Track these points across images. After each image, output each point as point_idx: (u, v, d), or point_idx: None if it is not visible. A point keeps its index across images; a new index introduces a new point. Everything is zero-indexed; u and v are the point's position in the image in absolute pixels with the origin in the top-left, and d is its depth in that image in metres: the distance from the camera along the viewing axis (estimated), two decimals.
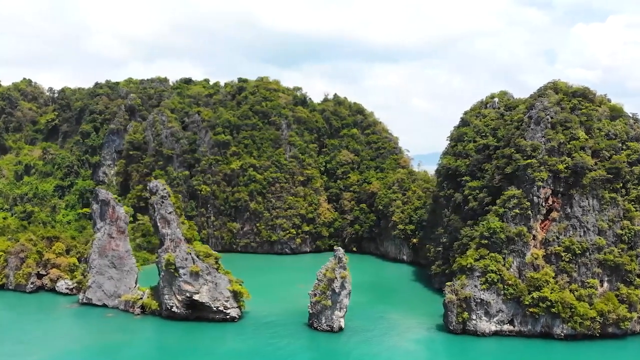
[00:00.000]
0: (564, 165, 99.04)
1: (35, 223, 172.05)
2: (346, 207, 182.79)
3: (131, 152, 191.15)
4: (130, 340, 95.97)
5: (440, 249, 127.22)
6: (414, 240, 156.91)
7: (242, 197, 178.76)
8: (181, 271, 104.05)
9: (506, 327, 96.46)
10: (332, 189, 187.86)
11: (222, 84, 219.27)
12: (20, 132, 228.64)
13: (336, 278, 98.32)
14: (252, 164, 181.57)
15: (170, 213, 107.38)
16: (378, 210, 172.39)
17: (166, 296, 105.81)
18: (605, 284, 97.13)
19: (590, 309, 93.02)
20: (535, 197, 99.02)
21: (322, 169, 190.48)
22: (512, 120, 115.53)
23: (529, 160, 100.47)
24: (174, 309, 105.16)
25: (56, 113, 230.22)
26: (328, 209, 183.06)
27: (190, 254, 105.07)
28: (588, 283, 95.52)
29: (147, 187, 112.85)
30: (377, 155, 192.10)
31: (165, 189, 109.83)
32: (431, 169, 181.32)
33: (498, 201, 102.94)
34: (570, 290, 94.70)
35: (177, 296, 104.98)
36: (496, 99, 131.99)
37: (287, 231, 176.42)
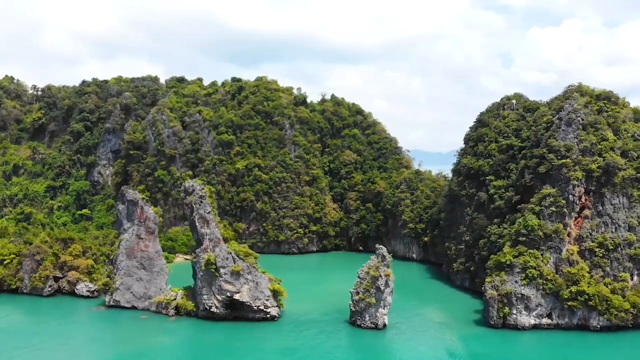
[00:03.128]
0: (596, 165, 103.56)
1: (34, 225, 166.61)
2: (351, 206, 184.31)
3: (131, 152, 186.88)
4: (175, 341, 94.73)
5: (462, 247, 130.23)
6: (425, 239, 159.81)
7: (247, 197, 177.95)
8: (222, 271, 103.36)
9: (544, 320, 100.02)
10: (336, 188, 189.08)
11: (219, 83, 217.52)
12: (5, 131, 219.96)
13: (380, 276, 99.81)
14: (257, 163, 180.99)
15: (209, 213, 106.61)
16: (385, 210, 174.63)
17: (205, 296, 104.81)
18: (635, 278, 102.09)
19: (625, 302, 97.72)
20: (570, 196, 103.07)
21: (326, 168, 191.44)
22: (536, 122, 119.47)
23: (563, 160, 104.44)
24: (213, 309, 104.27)
25: (42, 112, 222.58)
26: (334, 208, 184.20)
27: (230, 253, 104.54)
28: (620, 277, 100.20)
29: (183, 187, 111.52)
30: (379, 155, 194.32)
31: (203, 188, 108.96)
32: None
33: (533, 199, 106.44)
34: (605, 284, 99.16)
35: (217, 296, 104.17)
36: (514, 101, 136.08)
37: (295, 231, 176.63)
